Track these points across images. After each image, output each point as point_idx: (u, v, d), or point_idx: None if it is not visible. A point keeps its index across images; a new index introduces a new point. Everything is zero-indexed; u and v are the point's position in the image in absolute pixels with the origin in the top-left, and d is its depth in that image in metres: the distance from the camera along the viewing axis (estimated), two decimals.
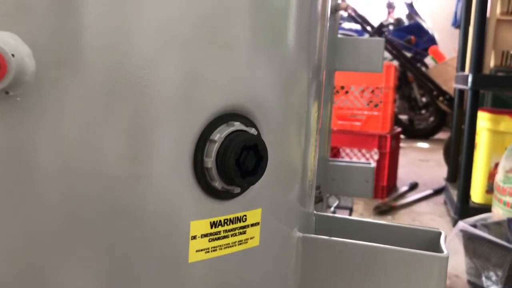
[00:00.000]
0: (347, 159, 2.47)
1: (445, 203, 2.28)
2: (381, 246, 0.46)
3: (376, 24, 4.01)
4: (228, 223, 0.39)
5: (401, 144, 3.30)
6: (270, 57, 0.40)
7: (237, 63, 0.38)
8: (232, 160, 0.36)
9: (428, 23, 4.57)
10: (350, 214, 1.68)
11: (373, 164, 1.28)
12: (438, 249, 0.47)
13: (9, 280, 0.34)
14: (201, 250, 0.38)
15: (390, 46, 3.91)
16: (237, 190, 0.38)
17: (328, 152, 1.23)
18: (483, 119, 1.93)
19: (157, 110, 0.35)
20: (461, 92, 2.43)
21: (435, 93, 4.16)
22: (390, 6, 4.69)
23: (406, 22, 4.54)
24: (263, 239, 0.42)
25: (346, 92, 2.43)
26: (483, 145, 1.95)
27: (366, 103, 2.39)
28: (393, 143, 2.41)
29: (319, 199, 1.06)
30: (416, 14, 4.53)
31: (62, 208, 0.33)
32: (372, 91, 2.38)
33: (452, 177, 2.38)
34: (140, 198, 0.35)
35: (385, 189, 2.33)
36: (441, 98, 4.16)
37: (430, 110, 4.49)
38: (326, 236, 0.48)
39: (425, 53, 4.34)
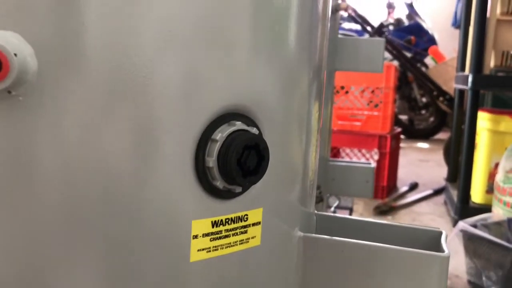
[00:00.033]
0: (347, 159, 2.47)
1: (445, 203, 2.28)
2: (382, 246, 0.46)
3: (376, 24, 4.01)
4: (229, 222, 0.39)
5: (401, 144, 3.30)
6: (271, 57, 0.40)
7: (238, 63, 0.38)
8: (234, 159, 0.36)
9: (428, 23, 4.57)
10: (350, 214, 1.68)
11: (373, 164, 1.28)
12: (439, 248, 0.47)
13: (9, 280, 0.34)
14: (203, 249, 0.38)
15: (390, 46, 3.91)
16: (238, 189, 0.38)
17: (328, 152, 1.23)
18: (483, 119, 1.93)
19: (159, 109, 0.35)
20: (461, 92, 2.43)
21: (435, 93, 4.17)
22: (390, 6, 4.70)
23: (406, 22, 4.54)
24: (264, 238, 0.43)
25: (346, 92, 2.43)
26: (483, 145, 1.95)
27: (366, 103, 2.39)
28: (393, 143, 2.41)
29: (319, 199, 1.06)
30: (416, 14, 4.54)
31: (62, 208, 0.33)
32: (372, 91, 2.38)
33: (452, 177, 2.38)
34: (141, 197, 0.35)
35: (385, 189, 2.33)
36: (441, 98, 4.16)
37: (430, 110, 4.49)
38: (327, 235, 0.48)
39: (425, 53, 4.35)
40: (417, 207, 2.23)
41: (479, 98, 1.91)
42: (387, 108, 2.36)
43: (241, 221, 0.40)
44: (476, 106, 1.87)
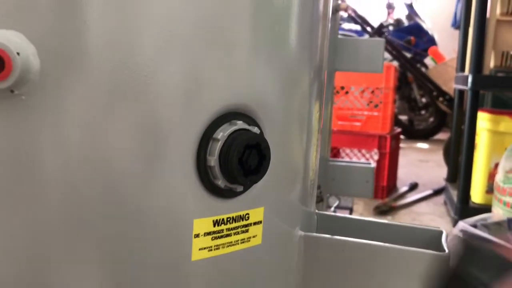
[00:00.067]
0: (347, 159, 2.47)
1: (445, 203, 2.28)
2: (382, 245, 0.46)
3: (376, 24, 4.01)
4: (231, 221, 0.39)
5: (401, 145, 3.30)
6: (271, 57, 0.41)
7: (238, 63, 0.38)
8: (235, 158, 0.36)
9: (427, 24, 4.57)
10: (350, 214, 1.68)
11: (373, 164, 1.28)
12: (439, 248, 0.47)
13: (9, 280, 0.34)
14: (204, 248, 0.38)
15: (390, 46, 3.91)
16: (239, 188, 0.38)
17: (328, 152, 1.24)
18: (483, 120, 1.93)
19: (161, 109, 0.35)
20: (461, 93, 2.43)
21: (435, 93, 4.16)
22: (390, 7, 4.70)
23: (406, 22, 4.54)
24: (266, 237, 0.43)
25: (346, 92, 2.43)
26: (483, 146, 1.95)
27: (366, 103, 2.39)
28: (393, 144, 2.41)
29: (319, 199, 1.07)
30: (416, 14, 4.54)
31: (64, 207, 0.33)
32: (372, 92, 2.38)
33: (452, 178, 2.38)
34: (143, 196, 0.35)
35: (385, 189, 2.33)
36: (441, 99, 4.16)
37: (430, 111, 4.49)
38: (328, 235, 0.48)
39: (424, 53, 4.34)
40: (417, 207, 2.23)
41: (479, 98, 1.91)
42: (387, 109, 2.36)
43: (243, 220, 0.40)
44: (476, 106, 1.87)
